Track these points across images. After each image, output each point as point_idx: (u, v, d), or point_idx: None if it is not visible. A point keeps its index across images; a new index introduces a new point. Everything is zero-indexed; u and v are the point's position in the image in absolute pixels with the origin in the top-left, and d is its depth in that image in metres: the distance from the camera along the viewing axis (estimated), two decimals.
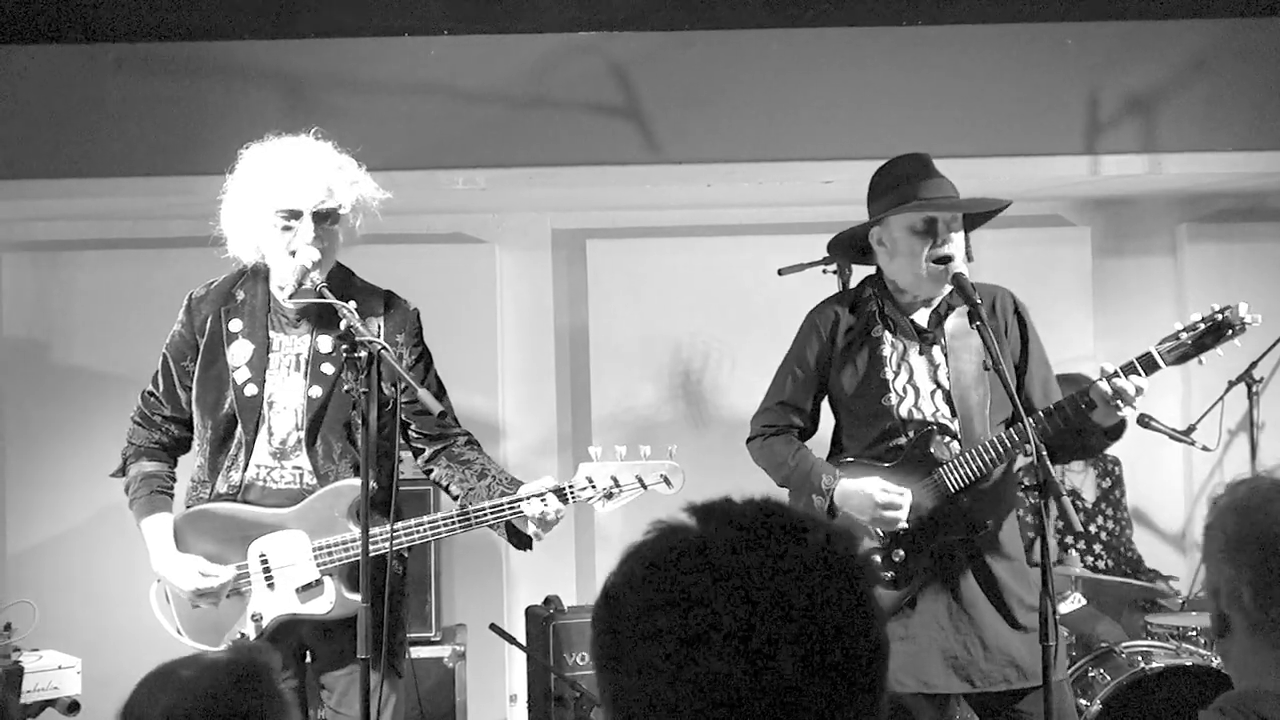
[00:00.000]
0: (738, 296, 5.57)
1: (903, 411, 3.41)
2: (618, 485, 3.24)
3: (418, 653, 4.52)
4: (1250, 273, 5.62)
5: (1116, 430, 3.26)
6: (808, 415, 3.62)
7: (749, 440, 3.66)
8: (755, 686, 1.15)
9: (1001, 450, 3.26)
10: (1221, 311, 3.10)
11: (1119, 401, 3.14)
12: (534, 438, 5.67)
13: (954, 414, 3.39)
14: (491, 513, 3.23)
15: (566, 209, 5.80)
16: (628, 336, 5.68)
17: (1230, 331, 3.09)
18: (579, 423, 5.68)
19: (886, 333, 3.45)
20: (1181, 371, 5.61)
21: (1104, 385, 3.13)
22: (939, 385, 3.41)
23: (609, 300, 5.72)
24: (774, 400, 3.62)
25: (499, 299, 5.73)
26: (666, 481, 3.26)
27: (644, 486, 3.25)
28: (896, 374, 3.42)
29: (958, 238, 3.37)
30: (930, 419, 3.39)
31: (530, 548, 3.32)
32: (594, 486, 3.24)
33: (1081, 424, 3.22)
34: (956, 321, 3.41)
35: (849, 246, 3.60)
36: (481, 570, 5.49)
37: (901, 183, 3.39)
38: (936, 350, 3.42)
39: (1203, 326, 3.11)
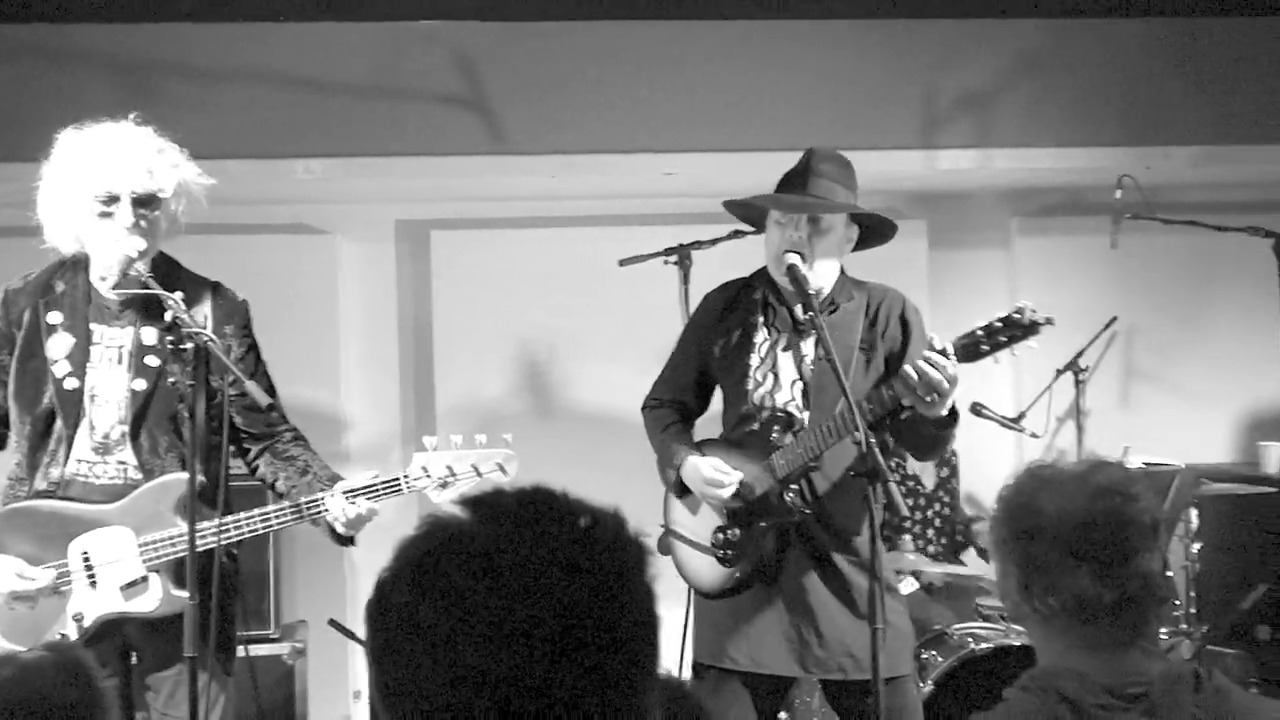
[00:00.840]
0: (583, 288, 5.58)
1: (756, 398, 3.47)
2: (453, 474, 3.22)
3: (256, 650, 4.45)
4: (1076, 265, 5.82)
5: (945, 422, 3.25)
6: (692, 392, 3.69)
7: (642, 408, 3.76)
8: (517, 678, 1.16)
9: (827, 436, 3.30)
10: (1017, 312, 3.04)
11: (933, 390, 3.09)
12: (377, 431, 5.60)
13: (807, 404, 3.44)
14: (308, 508, 3.18)
15: (410, 200, 5.74)
16: (473, 328, 5.65)
17: (1022, 332, 3.01)
18: (423, 415, 5.64)
19: (763, 320, 3.51)
20: (1013, 362, 5.78)
21: (908, 370, 3.10)
22: (800, 376, 3.46)
23: (454, 292, 5.68)
24: (662, 376, 3.73)
25: (341, 290, 5.65)
26: (502, 469, 3.26)
27: (479, 474, 3.24)
28: (762, 361, 3.49)
29: (823, 237, 3.39)
30: (781, 408, 3.45)
31: (353, 543, 3.28)
32: (429, 476, 3.22)
33: (903, 410, 3.26)
34: (834, 316, 3.44)
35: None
36: (323, 566, 5.40)
37: (793, 175, 3.45)
38: (807, 343, 3.47)
39: (998, 325, 3.05)
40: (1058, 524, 1.91)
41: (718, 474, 3.41)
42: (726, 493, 3.41)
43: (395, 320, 5.72)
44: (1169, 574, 4.73)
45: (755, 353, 3.49)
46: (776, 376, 3.47)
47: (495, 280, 5.67)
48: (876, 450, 3.01)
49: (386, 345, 5.71)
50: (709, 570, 3.50)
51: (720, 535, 3.48)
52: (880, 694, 2.99)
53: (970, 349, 3.06)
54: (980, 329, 3.06)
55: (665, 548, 3.61)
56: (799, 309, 3.46)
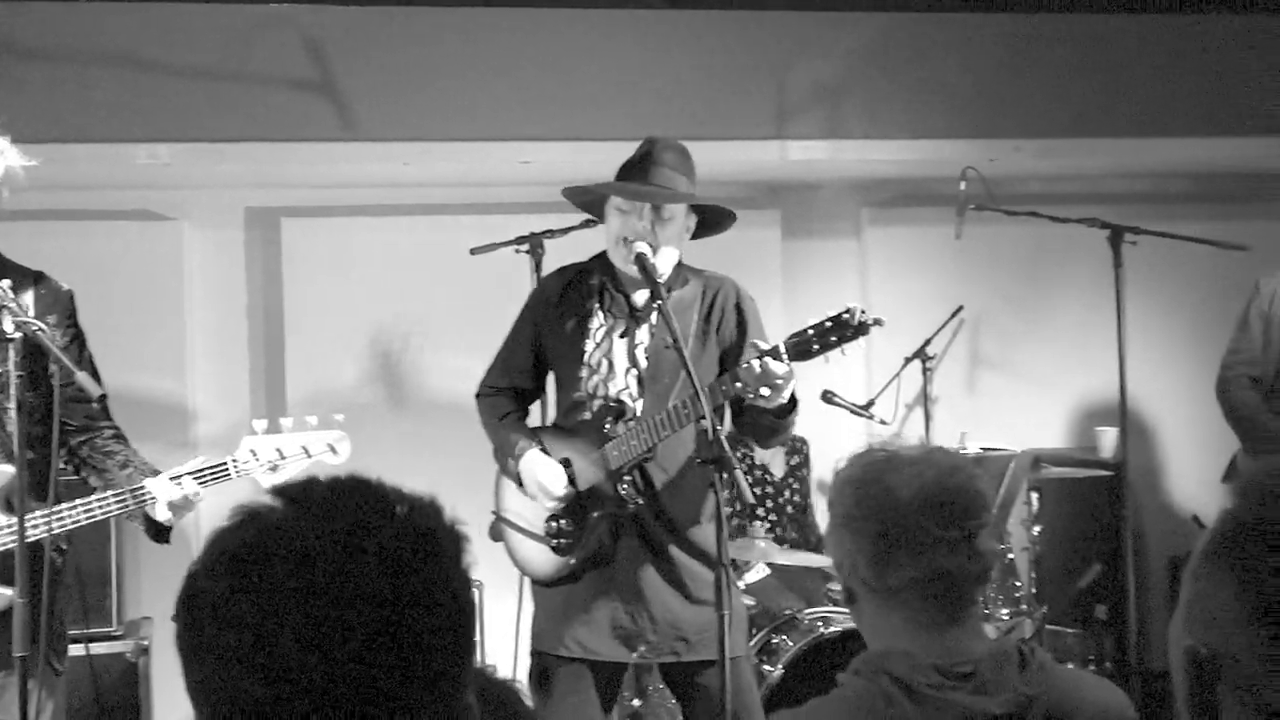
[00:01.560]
0: (437, 277, 5.53)
1: (590, 386, 3.47)
2: (282, 456, 3.19)
3: (98, 649, 4.32)
4: (924, 254, 5.94)
5: (784, 410, 3.29)
6: (529, 377, 3.67)
7: (476, 396, 3.72)
8: (334, 672, 1.14)
9: (661, 427, 3.32)
10: (844, 313, 3.07)
11: (767, 385, 3.12)
12: (226, 421, 5.48)
13: (641, 392, 3.45)
14: (134, 495, 3.11)
15: (260, 186, 5.62)
16: (325, 317, 5.56)
17: (851, 332, 3.04)
18: (274, 405, 5.53)
19: (599, 307, 3.50)
20: (863, 350, 5.89)
21: (754, 365, 3.12)
22: (635, 364, 3.47)
23: (305, 280, 5.59)
24: (497, 361, 3.69)
25: (187, 278, 5.51)
26: (333, 449, 3.23)
27: (309, 455, 3.21)
28: (597, 347, 3.48)
29: (666, 225, 3.40)
30: (614, 397, 3.45)
31: (168, 540, 3.21)
32: (257, 459, 3.17)
33: (749, 402, 3.29)
34: (669, 304, 3.44)
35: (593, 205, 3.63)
36: (167, 562, 5.24)
37: (634, 164, 3.44)
38: (643, 330, 3.48)
39: (828, 325, 3.07)
40: (915, 498, 1.95)
41: (551, 485, 3.44)
42: (553, 504, 3.45)
43: (244, 309, 5.61)
44: (1010, 555, 4.85)
45: (590, 339, 3.48)
46: (611, 364, 3.47)
47: (347, 268, 5.59)
48: (722, 437, 3.03)
49: (235, 334, 5.60)
50: (542, 558, 3.51)
51: (553, 524, 3.49)
52: (727, 678, 3.02)
53: (801, 347, 3.08)
54: (811, 328, 3.08)
55: (497, 534, 3.60)
56: (637, 296, 3.48)
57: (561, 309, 3.55)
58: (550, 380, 3.72)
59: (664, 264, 3.42)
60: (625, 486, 3.41)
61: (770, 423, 3.35)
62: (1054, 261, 5.98)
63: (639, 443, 3.36)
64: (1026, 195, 5.45)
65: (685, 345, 3.18)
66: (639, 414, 3.43)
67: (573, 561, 3.46)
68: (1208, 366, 6.22)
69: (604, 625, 3.43)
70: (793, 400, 3.26)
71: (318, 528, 1.19)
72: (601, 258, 3.56)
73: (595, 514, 3.44)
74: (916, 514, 1.94)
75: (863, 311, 3.04)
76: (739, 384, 3.14)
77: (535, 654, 3.55)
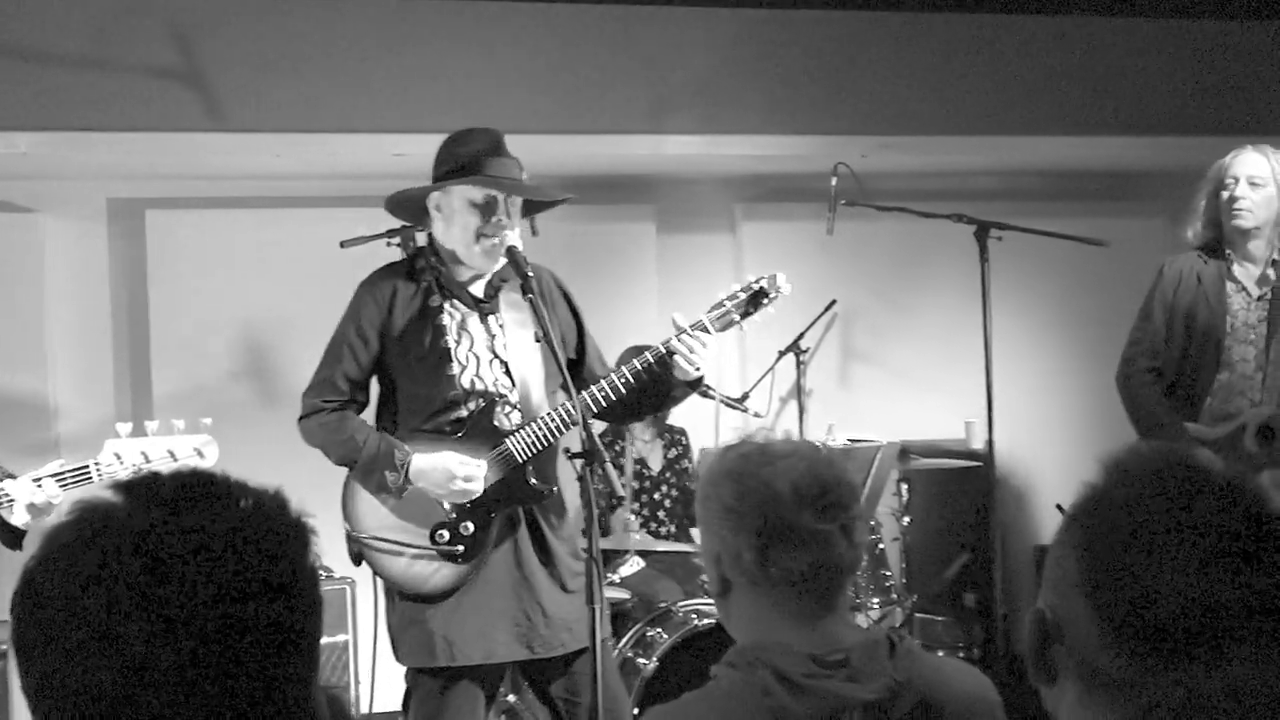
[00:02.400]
0: (307, 270, 5.43)
1: (465, 381, 3.41)
2: (147, 460, 3.12)
3: None
4: (797, 249, 5.98)
5: (693, 385, 3.43)
6: (364, 389, 3.56)
7: (301, 419, 3.52)
8: (179, 664, 1.12)
9: (565, 420, 3.33)
10: (758, 280, 3.32)
11: (695, 358, 3.31)
12: (89, 419, 5.34)
13: (513, 384, 3.43)
14: None
15: (123, 177, 5.48)
16: (192, 312, 5.44)
17: (766, 299, 3.30)
18: (139, 403, 5.40)
19: (445, 302, 3.45)
20: (737, 343, 5.95)
21: (677, 344, 3.29)
22: (496, 355, 3.44)
23: (171, 274, 5.46)
24: (330, 374, 3.49)
25: (48, 272, 5.36)
26: (200, 454, 3.16)
27: (175, 459, 3.14)
28: (458, 343, 3.42)
29: (516, 217, 3.41)
30: (491, 389, 3.42)
31: (20, 546, 3.12)
32: (121, 462, 3.10)
33: (665, 377, 3.35)
34: (510, 294, 3.46)
35: (407, 207, 3.57)
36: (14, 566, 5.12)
37: (471, 157, 3.40)
38: (493, 321, 3.46)
39: (743, 295, 3.31)
40: (796, 490, 1.96)
41: (468, 468, 3.32)
42: (479, 486, 3.34)
43: (108, 303, 5.46)
44: (881, 546, 4.91)
45: (449, 336, 3.42)
46: (478, 357, 3.44)
47: (215, 262, 5.47)
48: (592, 430, 3.04)
49: (98, 329, 5.45)
50: (432, 572, 3.39)
51: (447, 532, 3.38)
52: (599, 673, 3.02)
53: (725, 319, 3.31)
54: (727, 300, 3.31)
55: (358, 558, 3.44)
56: (475, 288, 3.46)
57: (401, 312, 3.46)
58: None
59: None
60: (534, 479, 3.38)
61: (681, 393, 3.45)
62: (924, 257, 6.09)
63: (545, 432, 3.34)
64: (898, 191, 5.52)
65: (549, 333, 3.19)
66: (516, 404, 3.41)
67: (471, 569, 3.38)
68: (1072, 359, 6.41)
69: (502, 626, 3.37)
70: (701, 376, 3.40)
71: (161, 521, 1.16)
72: (426, 253, 3.50)
73: (495, 512, 3.39)
74: (796, 506, 1.96)
75: (772, 279, 3.29)
76: (677, 349, 3.29)
77: (421, 672, 3.40)
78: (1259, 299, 4.09)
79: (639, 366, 3.31)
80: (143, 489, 1.20)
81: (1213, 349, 4.09)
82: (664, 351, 3.31)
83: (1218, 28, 5.89)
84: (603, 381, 3.32)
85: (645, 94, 5.39)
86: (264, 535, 1.19)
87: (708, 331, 3.32)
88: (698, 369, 3.34)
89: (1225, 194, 4.10)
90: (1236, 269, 4.12)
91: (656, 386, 3.39)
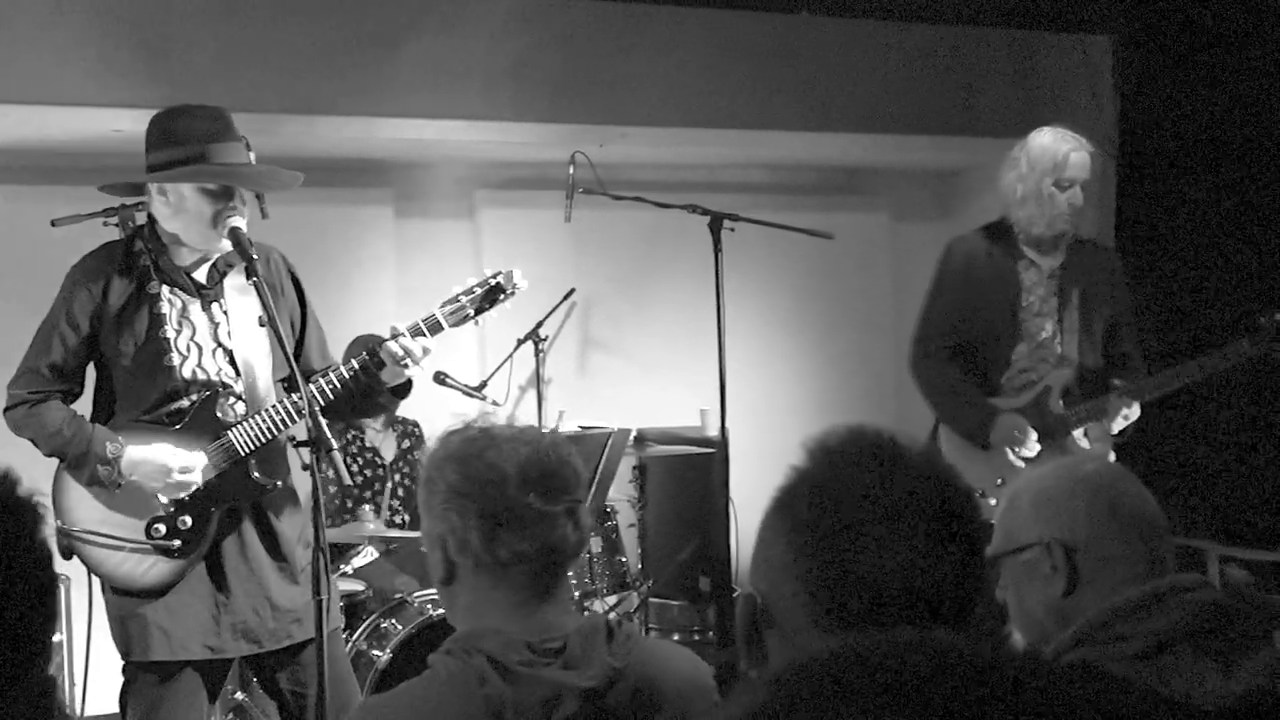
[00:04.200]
0: (17, 251, 5.12)
1: (185, 372, 3.27)
2: None
3: None
4: (537, 237, 6.00)
5: (403, 389, 3.36)
6: (77, 378, 3.37)
7: (6, 410, 3.33)
8: None
9: (292, 414, 3.23)
10: (495, 276, 3.25)
11: (407, 361, 3.23)
12: None
13: (238, 374, 3.31)
14: None
15: None
16: None
17: (502, 295, 3.24)
18: None
19: (164, 288, 3.29)
20: (476, 332, 5.90)
21: (393, 345, 3.20)
22: (220, 344, 3.31)
23: None
24: (36, 364, 3.30)
25: None
26: None
27: None
28: (178, 332, 3.28)
29: (246, 199, 3.29)
30: (214, 379, 3.29)
31: None
32: None
33: (371, 384, 3.28)
34: (236, 278, 3.34)
35: (124, 186, 3.40)
36: None
37: (196, 139, 3.23)
38: (216, 308, 3.32)
39: (479, 290, 3.24)
40: (522, 473, 1.95)
41: (183, 459, 3.20)
42: (198, 478, 3.22)
43: None
44: (616, 532, 4.94)
45: (169, 325, 3.28)
46: (200, 346, 3.31)
47: None
48: (321, 418, 2.96)
49: None
50: (148, 566, 3.26)
51: (163, 526, 3.25)
52: (324, 661, 2.95)
53: (458, 315, 3.24)
54: (461, 294, 3.23)
55: (68, 552, 3.27)
56: (199, 273, 3.33)
57: (116, 298, 3.28)
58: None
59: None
60: (257, 473, 3.26)
61: (387, 401, 3.37)
62: (662, 247, 6.17)
63: (268, 427, 3.23)
64: (639, 182, 5.58)
65: (275, 319, 3.08)
66: (241, 395, 3.29)
67: (190, 563, 3.25)
68: (803, 346, 6.62)
69: (228, 621, 3.27)
70: (409, 380, 3.34)
71: None
72: (143, 235, 3.34)
73: (215, 507, 3.27)
74: (522, 489, 1.95)
75: (509, 275, 3.24)
76: (385, 362, 3.20)
77: (139, 665, 3.27)
78: (1049, 275, 4.19)
79: (345, 375, 3.22)
80: None
81: (1009, 323, 4.15)
82: (369, 358, 3.23)
83: (938, 31, 6.17)
84: (320, 379, 3.22)
85: (383, 76, 5.28)
86: None
87: (440, 329, 3.25)
88: (407, 376, 3.29)
89: (1060, 193, 4.09)
90: (1025, 246, 4.19)
91: (366, 392, 3.31)
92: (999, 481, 4.06)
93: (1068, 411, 4.12)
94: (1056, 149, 4.09)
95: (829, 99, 5.99)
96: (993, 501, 3.96)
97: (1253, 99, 5.66)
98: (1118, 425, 4.05)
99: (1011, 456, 4.06)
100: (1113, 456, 4.18)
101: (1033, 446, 4.06)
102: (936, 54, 6.18)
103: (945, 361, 4.22)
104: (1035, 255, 4.21)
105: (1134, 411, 4.06)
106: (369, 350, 3.25)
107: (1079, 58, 6.28)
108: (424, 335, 3.24)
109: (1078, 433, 4.14)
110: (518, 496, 1.95)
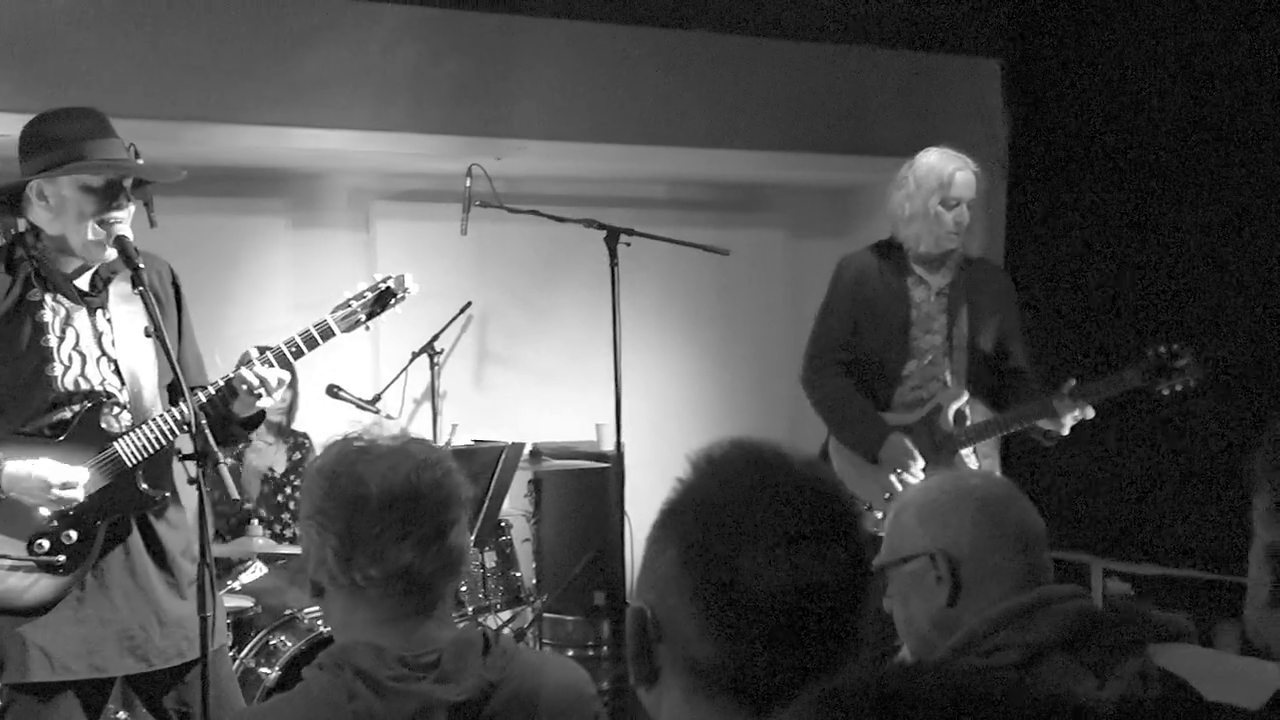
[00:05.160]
0: None
1: (68, 382, 3.18)
2: None
3: None
4: (434, 249, 5.95)
5: (254, 421, 3.29)
6: None
7: None
8: None
9: (179, 422, 3.16)
10: (385, 281, 3.26)
11: (260, 391, 3.15)
12: None
13: (123, 383, 3.24)
14: None
15: None
16: None
17: (394, 300, 3.25)
18: None
19: (47, 296, 3.21)
20: (370, 344, 5.85)
21: (246, 374, 3.12)
22: (105, 353, 3.24)
23: None
24: None
25: None
26: None
27: None
28: (61, 340, 3.19)
29: (131, 203, 3.23)
30: (98, 389, 3.21)
31: None
32: None
33: (226, 414, 3.21)
34: (121, 286, 3.26)
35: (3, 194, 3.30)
36: None
37: (74, 138, 3.16)
38: (100, 316, 3.25)
39: (369, 295, 3.24)
40: (385, 494, 1.92)
41: (65, 474, 3.09)
42: (80, 493, 3.12)
43: None
44: (510, 547, 4.92)
45: (51, 333, 3.19)
46: (84, 355, 3.23)
47: None
48: (207, 431, 2.91)
49: None
50: (31, 583, 3.15)
51: (46, 542, 3.14)
52: (208, 679, 2.90)
53: (350, 320, 3.22)
54: (352, 299, 3.22)
55: None
56: (82, 280, 3.26)
57: (3, 306, 3.18)
58: None
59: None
60: (145, 484, 3.19)
61: (238, 433, 3.32)
62: (560, 261, 6.17)
63: (155, 438, 3.16)
64: (537, 195, 5.55)
65: (160, 328, 3.03)
66: (126, 405, 3.21)
67: (73, 580, 3.16)
68: (699, 361, 6.66)
69: (112, 638, 3.18)
70: (261, 412, 3.28)
71: None
72: (21, 242, 3.24)
73: (100, 520, 3.18)
74: (383, 511, 1.92)
75: (400, 279, 3.25)
76: (235, 391, 3.14)
77: (16, 687, 3.16)
78: (938, 293, 4.26)
79: (203, 400, 3.14)
80: None
81: (899, 340, 4.22)
82: (223, 385, 3.16)
83: (833, 51, 6.27)
84: (200, 394, 3.16)
85: (278, 86, 5.21)
86: None
87: (333, 332, 3.22)
88: (259, 408, 3.22)
89: (946, 212, 4.16)
90: (914, 264, 4.26)
91: (222, 421, 3.23)
92: (887, 495, 4.12)
93: (957, 429, 4.20)
94: (942, 168, 4.18)
95: (727, 116, 6.04)
96: (880, 515, 4.04)
97: (1136, 118, 5.82)
98: (1069, 425, 4.12)
99: (895, 480, 4.13)
100: (999, 473, 4.28)
101: (918, 473, 4.13)
102: (831, 73, 6.27)
103: (837, 376, 4.27)
104: (924, 273, 4.29)
105: (1089, 412, 4.13)
106: (225, 378, 3.19)
107: (969, 79, 6.41)
108: (306, 348, 3.19)
109: (966, 451, 4.22)
110: (375, 520, 1.92)
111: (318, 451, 5.19)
